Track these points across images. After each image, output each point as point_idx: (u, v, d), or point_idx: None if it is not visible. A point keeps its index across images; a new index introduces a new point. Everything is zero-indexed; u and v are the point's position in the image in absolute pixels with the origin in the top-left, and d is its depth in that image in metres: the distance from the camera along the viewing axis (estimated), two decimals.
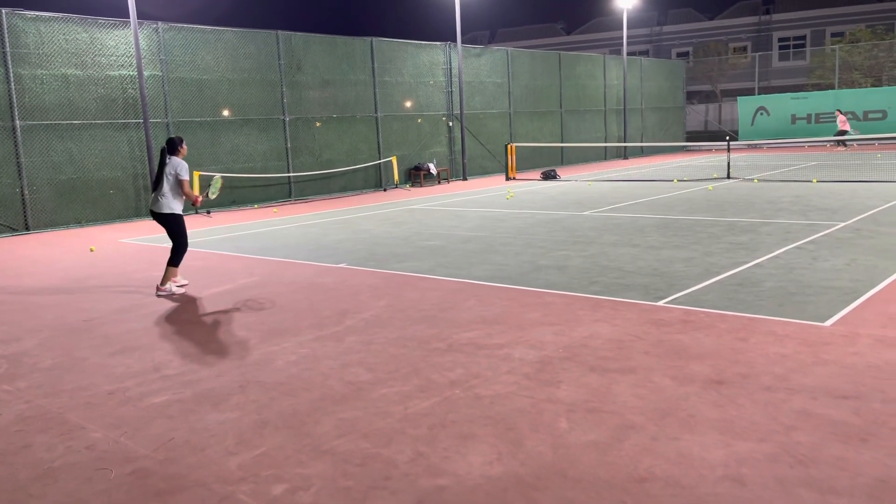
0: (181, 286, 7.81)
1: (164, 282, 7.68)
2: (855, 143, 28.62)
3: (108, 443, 3.94)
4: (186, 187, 7.61)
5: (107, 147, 14.70)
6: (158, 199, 7.61)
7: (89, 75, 14.39)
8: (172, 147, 7.67)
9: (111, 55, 14.69)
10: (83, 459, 3.75)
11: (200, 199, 7.96)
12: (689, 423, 3.83)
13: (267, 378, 4.87)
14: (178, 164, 7.59)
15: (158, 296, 7.60)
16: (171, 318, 6.66)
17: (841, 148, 27.83)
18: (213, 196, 8.19)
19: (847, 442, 3.52)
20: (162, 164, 7.59)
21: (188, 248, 7.91)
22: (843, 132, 26.76)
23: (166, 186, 7.57)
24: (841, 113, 27.39)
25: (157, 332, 6.20)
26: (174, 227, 7.69)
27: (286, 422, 4.11)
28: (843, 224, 10.01)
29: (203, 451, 3.77)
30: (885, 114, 28.30)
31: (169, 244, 7.90)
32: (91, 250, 11.08)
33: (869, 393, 4.11)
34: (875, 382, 4.26)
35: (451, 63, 21.89)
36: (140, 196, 15.25)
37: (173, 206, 7.64)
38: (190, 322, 6.47)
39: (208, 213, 15.62)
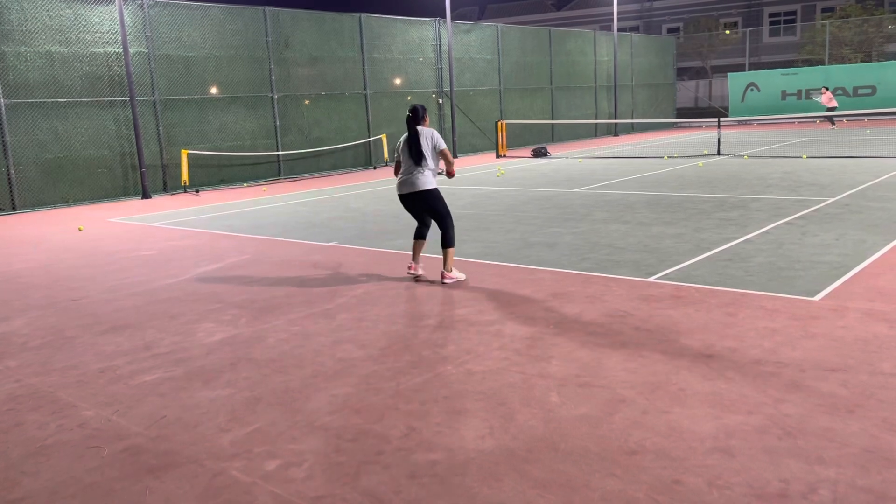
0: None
1: (449, 268, 6.64)
2: (844, 119, 28.65)
3: (99, 421, 3.94)
4: (450, 156, 6.60)
5: (93, 125, 14.54)
6: (418, 177, 6.51)
7: (74, 52, 14.19)
8: (417, 116, 6.56)
9: (96, 32, 14.48)
10: (75, 437, 3.75)
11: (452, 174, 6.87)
12: (679, 396, 3.86)
13: (258, 355, 4.87)
14: (435, 134, 6.57)
15: (444, 283, 6.58)
16: (161, 296, 6.64)
17: (828, 124, 27.83)
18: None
19: (834, 413, 3.56)
20: (415, 136, 6.48)
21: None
22: (833, 109, 26.75)
23: (430, 160, 6.51)
24: (827, 90, 27.33)
25: (148, 310, 6.17)
26: (440, 204, 6.62)
27: (278, 398, 4.12)
28: (832, 199, 10.05)
29: (195, 429, 3.78)
30: (874, 89, 28.33)
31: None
32: (79, 230, 11.00)
33: (857, 365, 4.15)
34: (863, 355, 4.30)
35: (440, 39, 21.71)
36: (128, 175, 15.12)
37: (433, 181, 6.60)
38: (180, 300, 6.45)
39: (197, 191, 15.52)
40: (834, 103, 26.77)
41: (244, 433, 3.69)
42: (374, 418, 3.79)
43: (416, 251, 6.86)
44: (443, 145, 6.56)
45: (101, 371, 4.73)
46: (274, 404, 4.04)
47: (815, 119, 28.76)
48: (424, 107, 6.70)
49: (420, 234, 6.87)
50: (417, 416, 3.79)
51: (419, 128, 6.56)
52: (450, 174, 6.82)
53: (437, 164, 6.62)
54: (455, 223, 6.92)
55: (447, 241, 6.61)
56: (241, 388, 4.30)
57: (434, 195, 6.59)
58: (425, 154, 6.48)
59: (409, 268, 6.86)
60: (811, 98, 28.82)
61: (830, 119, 27.23)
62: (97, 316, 6.07)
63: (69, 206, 14.17)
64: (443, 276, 6.65)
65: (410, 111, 6.61)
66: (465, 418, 3.73)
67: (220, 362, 4.78)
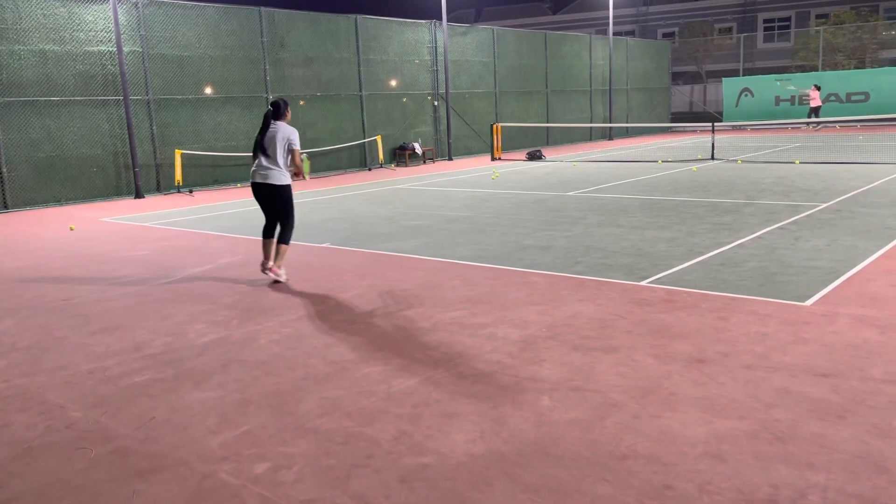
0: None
1: (279, 264, 6.89)
2: (837, 125, 28.73)
3: (88, 422, 3.91)
4: (298, 157, 6.66)
5: (86, 124, 14.48)
6: (270, 170, 6.66)
7: (68, 51, 14.13)
8: (278, 111, 6.71)
9: (90, 31, 14.42)
10: (63, 439, 3.72)
11: (301, 175, 6.90)
12: (671, 401, 3.86)
13: (249, 357, 4.85)
14: (290, 131, 6.69)
15: (267, 273, 6.87)
16: (152, 297, 6.60)
17: (812, 129, 27.82)
18: (307, 177, 7.22)
19: (825, 419, 3.56)
20: (266, 130, 6.67)
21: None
22: (816, 109, 26.77)
23: (279, 156, 6.64)
24: (817, 88, 27.32)
25: (138, 311, 6.14)
26: (288, 202, 6.80)
27: (269, 401, 4.10)
28: (824, 205, 10.08)
29: (185, 430, 3.75)
30: (867, 96, 28.47)
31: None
32: (71, 229, 10.95)
33: (847, 371, 4.16)
34: (853, 361, 4.31)
35: (436, 41, 21.72)
36: (121, 174, 15.06)
37: (285, 177, 6.72)
38: (171, 301, 6.42)
39: (190, 191, 15.47)
40: (817, 102, 26.81)
41: (234, 435, 3.67)
42: (364, 421, 3.77)
43: (266, 250, 6.95)
44: (295, 145, 6.65)
45: (90, 372, 4.70)
46: (264, 407, 4.02)
47: (803, 125, 28.78)
48: (287, 102, 6.82)
49: (268, 233, 6.95)
50: (409, 419, 3.77)
51: (277, 123, 6.68)
52: (296, 175, 6.82)
53: (286, 162, 6.71)
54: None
55: (283, 239, 6.86)
56: (232, 390, 4.28)
57: (284, 192, 6.75)
58: (267, 149, 6.62)
59: (269, 270, 6.90)
60: (805, 97, 28.77)
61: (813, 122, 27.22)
62: (87, 316, 6.04)
63: (61, 205, 14.10)
64: (271, 270, 6.88)
65: (271, 105, 6.75)
66: (456, 422, 3.72)
67: (211, 364, 4.75)
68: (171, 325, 5.70)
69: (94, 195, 14.67)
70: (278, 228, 6.91)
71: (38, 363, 4.91)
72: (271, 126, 6.70)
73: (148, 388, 4.38)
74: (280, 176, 6.71)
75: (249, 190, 7.84)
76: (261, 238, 7.08)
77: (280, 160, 6.67)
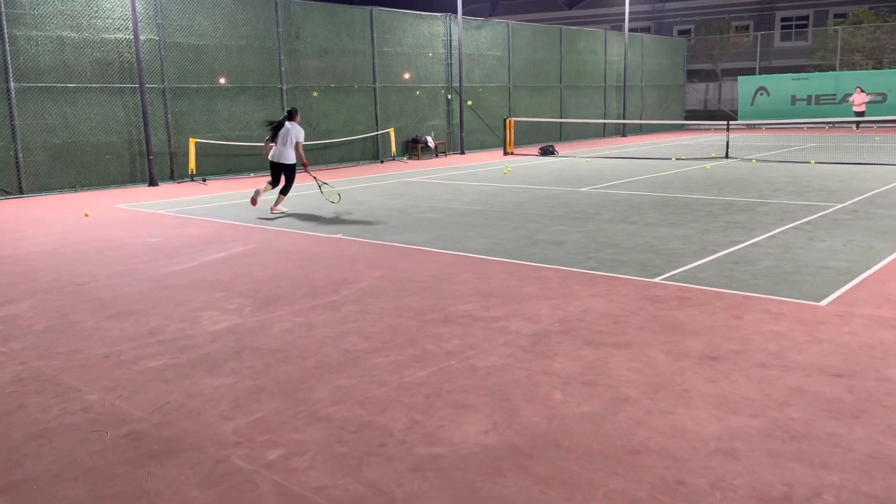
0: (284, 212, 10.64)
1: (277, 203, 10.54)
2: (854, 126, 28.49)
3: (103, 405, 3.94)
4: (301, 149, 10.33)
5: (102, 111, 14.55)
6: (282, 152, 10.34)
7: (85, 38, 14.19)
8: (291, 116, 10.45)
9: (107, 18, 14.48)
10: (78, 421, 3.75)
11: (305, 165, 10.53)
12: (684, 397, 3.85)
13: (262, 345, 4.87)
14: (298, 130, 10.34)
15: (272, 215, 10.34)
16: (166, 283, 6.64)
17: (854, 130, 27.49)
18: (333, 199, 11.28)
19: (840, 419, 3.55)
20: (281, 126, 10.34)
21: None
22: (860, 113, 26.35)
23: (289, 145, 10.31)
24: (862, 91, 26.83)
25: (153, 297, 6.18)
26: (291, 174, 10.54)
27: (281, 388, 4.12)
28: (840, 205, 10.01)
29: (198, 416, 3.78)
30: (885, 97, 28.18)
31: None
32: (86, 215, 11.02)
33: (863, 371, 4.14)
34: (869, 361, 4.29)
35: (451, 35, 21.66)
36: (136, 162, 15.13)
37: (291, 159, 10.40)
38: (185, 288, 6.46)
39: (204, 180, 15.54)
40: (862, 108, 26.37)
41: (247, 422, 3.69)
42: (377, 410, 3.78)
43: (264, 190, 10.62)
44: (299, 139, 10.33)
45: (105, 356, 4.74)
46: (277, 394, 4.04)
47: (851, 124, 28.42)
48: (296, 109, 10.66)
49: (273, 185, 10.65)
50: (421, 409, 3.78)
51: (290, 122, 10.38)
52: (303, 165, 10.42)
53: (292, 149, 10.35)
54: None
55: (284, 191, 10.61)
56: (245, 377, 4.31)
57: (290, 168, 10.49)
58: (282, 139, 10.36)
59: (255, 199, 10.65)
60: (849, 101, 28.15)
61: (857, 123, 26.91)
62: (102, 301, 6.08)
63: (76, 191, 14.19)
64: (272, 210, 10.54)
65: (287, 111, 10.55)
66: (468, 413, 3.72)
67: (225, 350, 4.78)
68: (184, 311, 5.73)
69: (108, 182, 14.76)
70: (282, 184, 10.60)
71: (54, 346, 4.95)
72: (286, 124, 10.35)
73: (162, 372, 4.41)
74: (289, 157, 10.40)
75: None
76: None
77: (289, 149, 10.36)
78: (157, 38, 15.19)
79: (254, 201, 10.59)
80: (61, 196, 13.63)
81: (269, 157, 10.45)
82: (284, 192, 10.55)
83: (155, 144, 15.12)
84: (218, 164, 16.39)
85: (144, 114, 14.70)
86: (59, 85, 13.91)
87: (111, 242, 8.76)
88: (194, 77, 15.87)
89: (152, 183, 14.95)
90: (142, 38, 14.65)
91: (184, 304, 5.95)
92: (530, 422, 3.60)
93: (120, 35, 14.66)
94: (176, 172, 15.73)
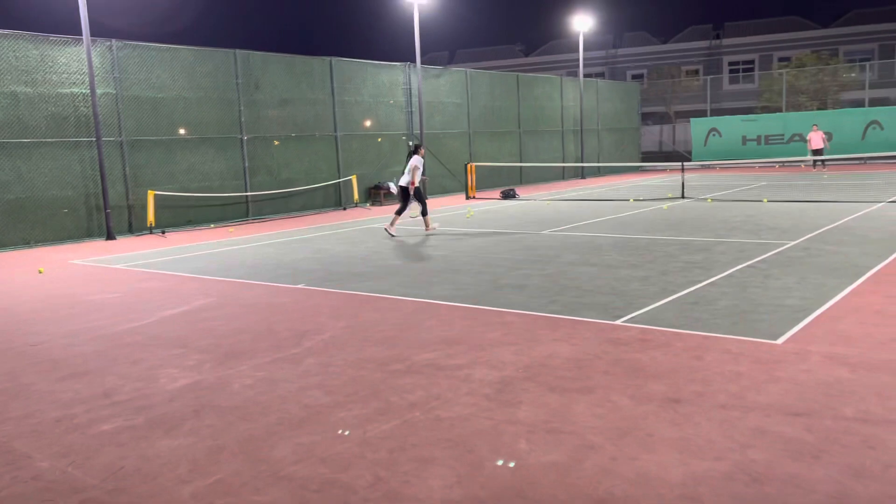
0: (435, 229, 13.58)
1: (428, 225, 13.44)
2: (802, 164, 29.41)
3: (55, 472, 3.80)
4: (416, 175, 12.97)
5: (58, 166, 14.35)
6: (402, 177, 13.22)
7: (40, 93, 14.06)
8: (416, 149, 13.25)
9: (63, 73, 14.39)
10: (29, 490, 3.61)
11: (415, 185, 13.11)
12: (648, 442, 3.86)
13: (222, 402, 4.77)
14: (417, 160, 13.02)
15: (430, 231, 13.37)
16: (122, 341, 6.49)
17: (819, 168, 28.08)
18: (413, 214, 14.12)
19: (800, 459, 3.59)
20: (408, 159, 13.17)
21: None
22: (818, 151, 26.91)
23: (407, 172, 13.10)
24: (818, 129, 27.48)
25: (108, 355, 6.03)
26: (418, 195, 13.18)
27: (242, 447, 4.03)
28: (792, 243, 10.28)
29: (154, 480, 3.66)
30: (830, 136, 29.23)
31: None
32: (40, 272, 10.77)
33: (820, 410, 4.20)
34: (826, 399, 4.36)
35: (410, 83, 21.99)
36: (92, 216, 14.89)
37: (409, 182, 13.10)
38: (142, 345, 6.32)
39: (163, 232, 15.35)
40: (820, 145, 26.92)
41: (206, 484, 3.59)
42: (340, 467, 3.71)
43: (398, 218, 13.29)
44: (417, 166, 12.99)
45: (57, 420, 4.58)
46: (238, 453, 3.95)
47: (800, 163, 29.06)
48: (419, 144, 13.66)
49: (399, 211, 13.33)
50: (385, 464, 3.72)
51: (414, 155, 13.14)
52: (413, 185, 13.05)
53: (411, 177, 13.08)
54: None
55: (424, 212, 13.51)
56: (204, 437, 4.20)
57: (404, 189, 13.20)
58: (405, 169, 13.24)
59: (390, 228, 13.19)
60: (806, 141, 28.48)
61: (815, 162, 27.44)
62: (55, 362, 5.91)
63: (30, 247, 13.88)
64: (426, 231, 13.40)
65: (414, 146, 13.38)
66: (432, 467, 3.68)
67: (183, 410, 4.67)
68: (141, 369, 5.59)
69: (64, 237, 14.48)
70: (417, 209, 13.75)
71: (5, 411, 4.78)
72: (412, 157, 13.11)
73: (117, 436, 4.28)
74: (407, 181, 13.12)
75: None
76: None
77: (407, 175, 13.11)
78: (114, 92, 15.12)
79: (390, 231, 13.03)
80: (14, 253, 13.32)
81: (399, 184, 13.41)
82: (424, 212, 13.39)
83: (112, 197, 14.93)
84: (178, 216, 16.22)
85: (101, 167, 14.53)
86: (12, 140, 13.71)
87: (66, 300, 8.56)
88: (153, 129, 15.79)
89: (110, 237, 14.71)
90: (98, 91, 14.57)
91: (140, 362, 5.81)
92: (495, 473, 3.57)
93: (76, 89, 14.56)
94: (134, 225, 15.52)
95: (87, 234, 14.82)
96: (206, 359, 5.80)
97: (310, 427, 4.28)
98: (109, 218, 14.71)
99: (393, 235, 12.91)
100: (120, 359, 5.92)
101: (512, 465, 3.46)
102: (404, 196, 13.21)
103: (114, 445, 4.14)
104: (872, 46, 41.88)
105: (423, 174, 13.48)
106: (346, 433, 3.93)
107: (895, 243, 9.87)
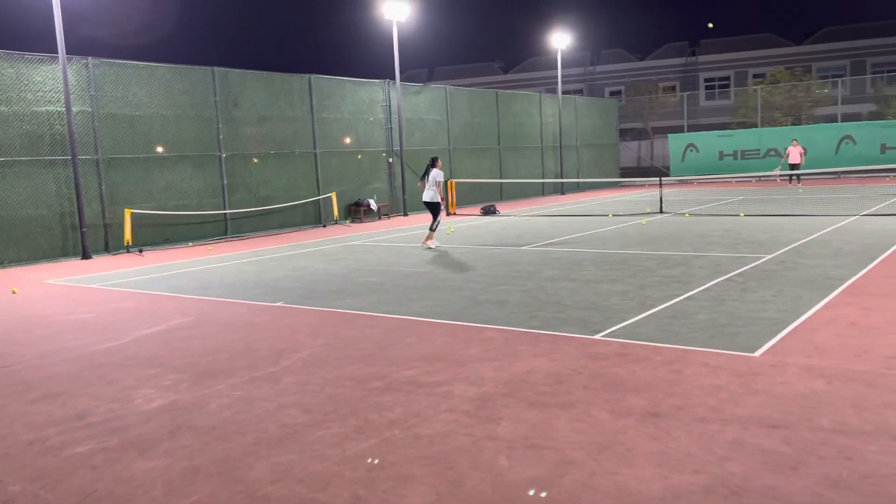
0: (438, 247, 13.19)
1: (428, 238, 13.21)
2: (777, 179, 29.80)
3: (27, 497, 3.72)
4: (440, 188, 13.22)
5: (32, 184, 14.18)
6: (427, 192, 13.25)
7: (14, 111, 13.92)
8: (434, 164, 13.30)
9: (38, 91, 14.26)
10: None
11: (442, 198, 13.41)
12: (627, 456, 3.86)
13: (199, 422, 4.70)
14: (438, 173, 13.19)
15: (427, 247, 13.12)
16: (97, 361, 6.39)
17: (794, 183, 28.29)
18: (445, 197, 14.45)
19: (778, 471, 3.60)
20: (427, 172, 13.30)
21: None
22: (796, 166, 27.10)
23: (431, 186, 13.16)
24: (798, 144, 27.61)
25: (83, 376, 5.93)
26: (436, 209, 13.24)
27: (219, 468, 3.97)
28: (769, 256, 10.39)
29: (129, 503, 3.59)
30: (805, 150, 29.63)
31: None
32: (13, 292, 10.60)
33: (797, 422, 4.23)
34: (803, 411, 4.39)
35: (390, 100, 22.05)
36: (68, 235, 14.71)
37: (435, 197, 13.21)
38: (118, 365, 6.22)
39: (140, 251, 15.19)
40: (797, 160, 27.07)
41: None
42: (318, 487, 3.67)
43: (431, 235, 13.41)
44: (439, 179, 13.21)
45: (30, 443, 4.49)
46: (214, 474, 3.89)
47: (783, 178, 29.23)
48: (437, 158, 13.54)
49: (433, 226, 13.35)
50: (364, 483, 3.69)
51: (433, 168, 13.26)
52: (442, 199, 13.34)
53: (436, 190, 13.23)
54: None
55: (431, 227, 13.31)
56: (180, 458, 4.13)
57: (434, 204, 13.28)
58: (427, 182, 13.32)
59: (426, 242, 13.29)
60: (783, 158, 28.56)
61: (791, 177, 27.58)
62: (28, 383, 5.80)
63: (4, 267, 13.67)
64: (422, 243, 13.34)
65: (431, 160, 13.47)
66: (412, 485, 3.64)
67: (158, 430, 4.59)
68: (116, 390, 5.51)
69: (38, 256, 14.28)
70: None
71: None
72: (430, 171, 13.25)
73: (90, 458, 4.20)
74: (432, 196, 13.25)
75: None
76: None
77: (433, 188, 13.19)
78: (90, 110, 15.00)
79: (430, 245, 13.22)
80: None
81: (424, 199, 13.40)
82: (432, 227, 13.16)
83: (88, 216, 14.77)
84: (155, 235, 16.07)
85: (77, 186, 14.38)
86: None
87: (40, 320, 8.43)
88: (129, 147, 15.68)
89: (85, 256, 14.53)
90: (74, 109, 14.45)
91: (115, 382, 5.72)
92: (475, 490, 3.54)
93: (51, 108, 14.43)
94: (111, 244, 15.35)
95: (62, 253, 14.64)
96: (182, 378, 5.73)
97: (288, 446, 4.23)
98: (85, 237, 14.54)
99: (432, 248, 13.07)
100: (94, 379, 5.83)
101: (543, 494, 3.41)
102: (434, 211, 13.24)
103: (87, 468, 4.06)
104: (844, 63, 42.75)
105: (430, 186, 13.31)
106: (376, 461, 3.87)
107: (868, 256, 10.02)
